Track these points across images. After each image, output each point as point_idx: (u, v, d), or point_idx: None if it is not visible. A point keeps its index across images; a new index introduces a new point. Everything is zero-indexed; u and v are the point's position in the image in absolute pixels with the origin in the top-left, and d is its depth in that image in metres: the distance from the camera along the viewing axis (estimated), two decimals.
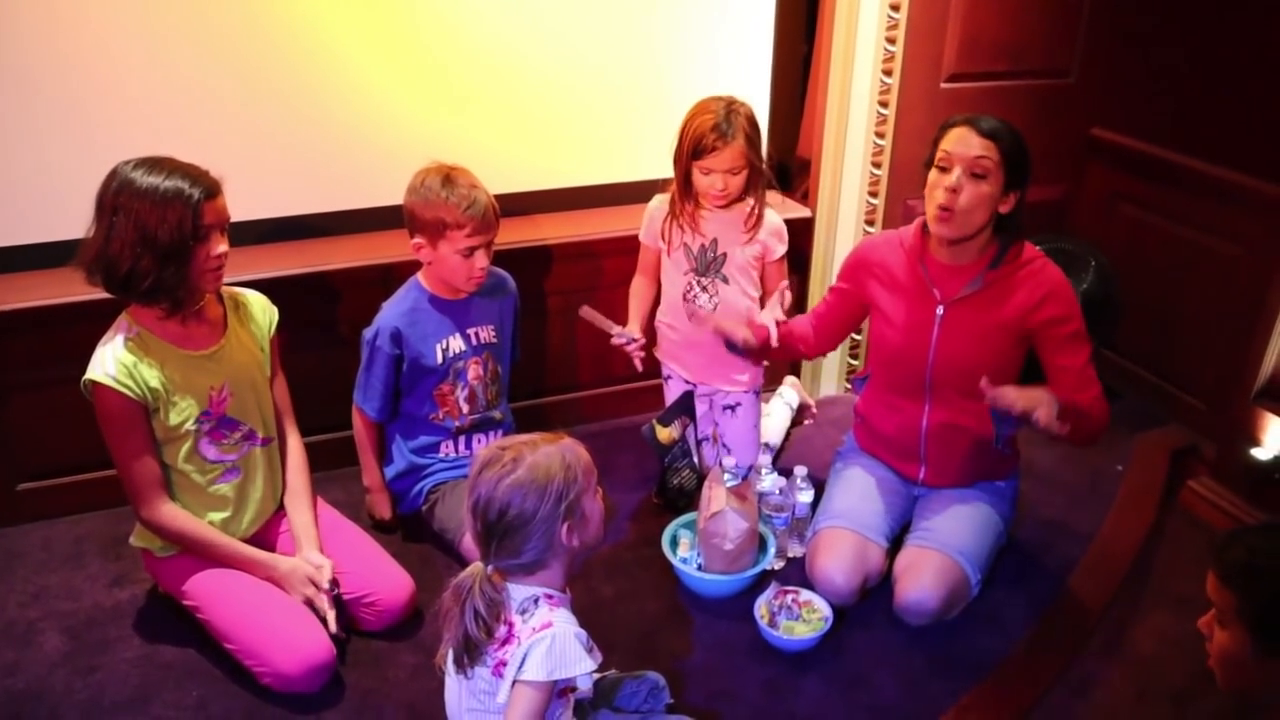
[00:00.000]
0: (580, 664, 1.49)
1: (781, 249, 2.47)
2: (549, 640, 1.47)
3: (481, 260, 2.21)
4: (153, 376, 1.91)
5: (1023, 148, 2.01)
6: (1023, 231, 2.10)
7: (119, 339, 1.91)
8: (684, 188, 2.37)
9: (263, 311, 2.14)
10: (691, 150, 2.29)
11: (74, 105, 2.33)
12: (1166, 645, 2.15)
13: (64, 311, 2.30)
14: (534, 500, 1.47)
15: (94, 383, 1.89)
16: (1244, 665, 1.33)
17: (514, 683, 1.47)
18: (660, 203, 2.47)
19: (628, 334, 2.41)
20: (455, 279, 2.25)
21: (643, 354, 2.44)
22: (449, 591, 1.53)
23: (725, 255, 2.42)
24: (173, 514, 1.99)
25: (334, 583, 2.05)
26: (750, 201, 2.40)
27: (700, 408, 2.58)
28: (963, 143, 1.98)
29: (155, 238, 1.82)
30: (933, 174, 2.04)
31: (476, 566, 1.52)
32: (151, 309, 1.92)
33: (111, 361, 1.88)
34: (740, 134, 2.27)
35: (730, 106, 2.28)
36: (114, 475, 2.34)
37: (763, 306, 2.42)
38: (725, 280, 2.44)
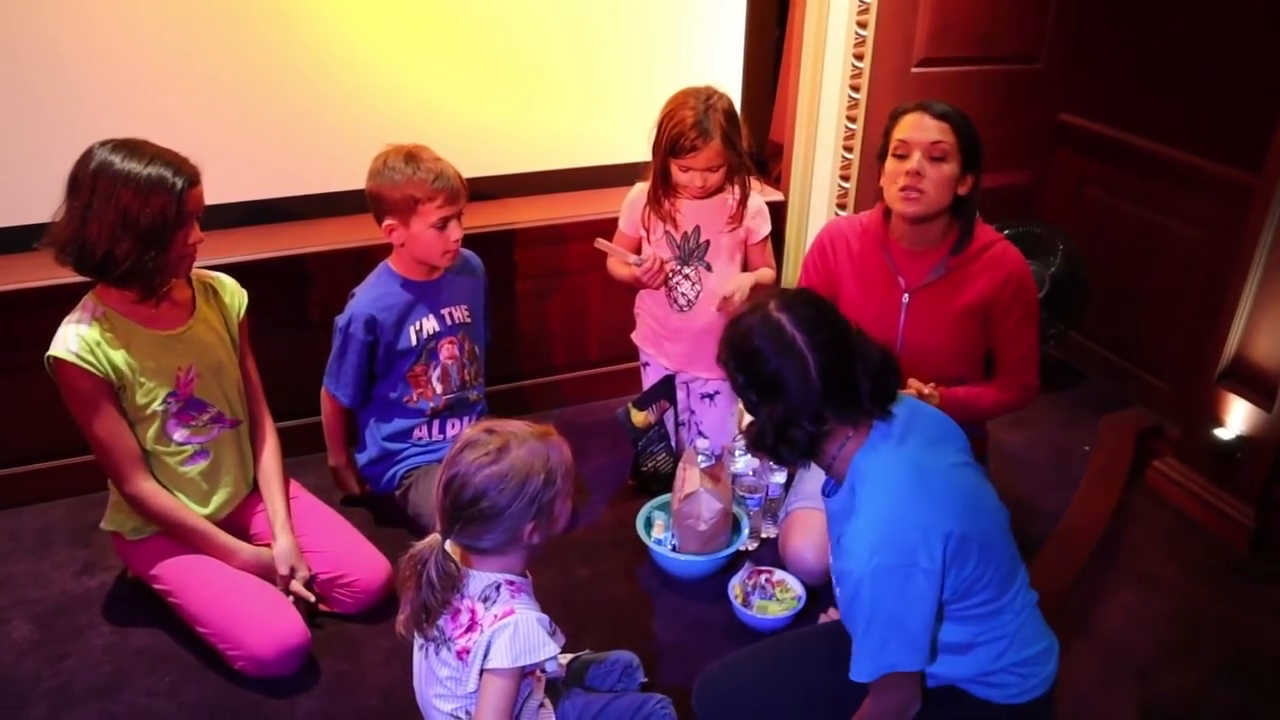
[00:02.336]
0: (544, 649, 1.50)
1: (765, 229, 2.48)
2: (511, 628, 1.48)
3: (455, 232, 2.22)
4: (117, 356, 1.89)
5: (973, 133, 2.02)
6: (977, 214, 2.12)
7: (83, 316, 1.89)
8: (662, 181, 2.36)
9: (232, 295, 2.12)
10: (669, 148, 2.29)
11: (37, 88, 2.30)
12: (1133, 621, 2.20)
13: (26, 297, 2.26)
14: (509, 496, 1.46)
15: (56, 359, 1.86)
16: None
17: (481, 672, 1.48)
18: (640, 191, 2.46)
19: (644, 259, 2.40)
20: (431, 255, 2.24)
21: (663, 274, 2.42)
22: (406, 559, 1.53)
23: (708, 242, 2.43)
24: (155, 490, 1.98)
25: (310, 580, 2.07)
26: (734, 187, 2.40)
27: (678, 395, 2.59)
28: (918, 128, 2.00)
29: (137, 222, 1.80)
30: (890, 163, 2.04)
31: (434, 538, 1.52)
32: (123, 292, 1.90)
33: (74, 338, 1.86)
34: (718, 131, 2.26)
35: (709, 102, 2.26)
36: (80, 464, 2.36)
37: None
38: (709, 268, 2.45)
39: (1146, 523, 2.53)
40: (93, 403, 1.89)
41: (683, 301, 2.48)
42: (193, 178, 1.86)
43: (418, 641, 1.60)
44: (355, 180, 2.27)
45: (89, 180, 1.80)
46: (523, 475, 1.47)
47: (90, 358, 1.86)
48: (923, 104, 2.03)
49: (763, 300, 1.55)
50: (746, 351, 1.51)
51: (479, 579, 1.52)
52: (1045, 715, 1.68)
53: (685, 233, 2.42)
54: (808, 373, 1.47)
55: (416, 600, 1.51)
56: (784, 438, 1.50)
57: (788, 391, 1.48)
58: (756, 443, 1.55)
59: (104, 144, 1.83)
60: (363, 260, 2.43)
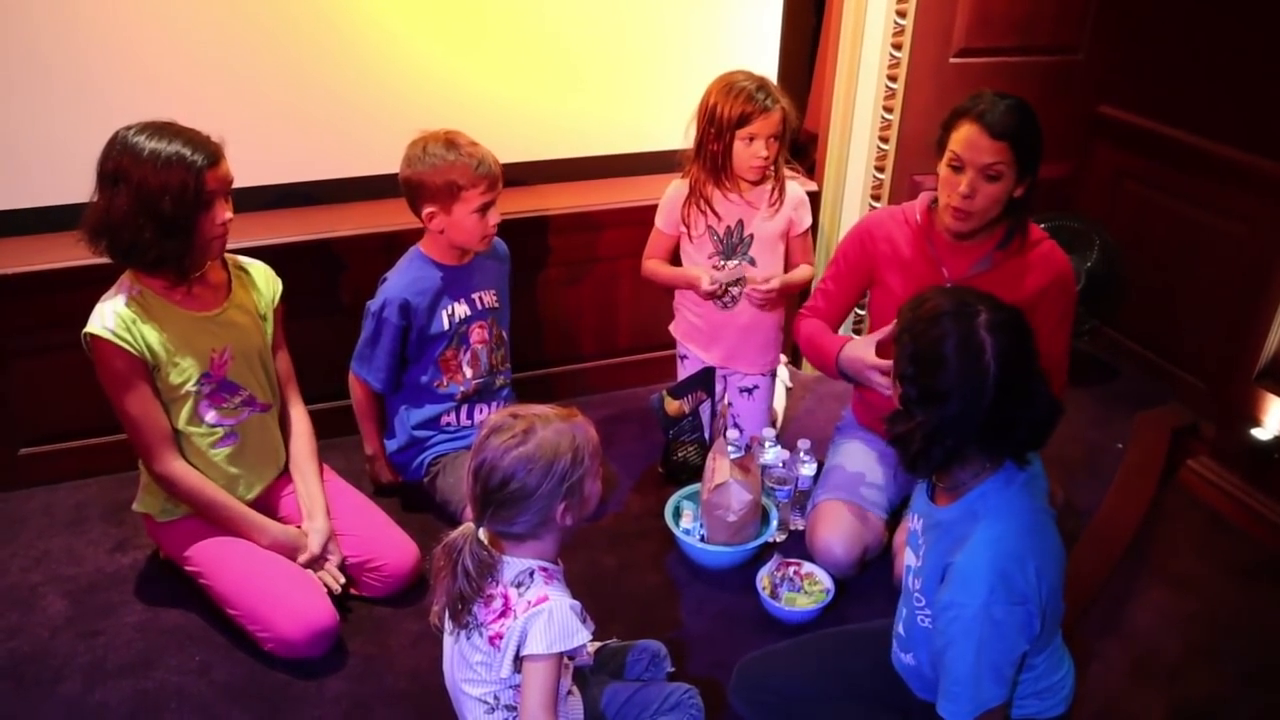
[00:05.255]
0: (578, 635, 1.50)
1: (807, 220, 2.47)
2: (546, 614, 1.48)
3: (494, 217, 2.24)
4: (153, 335, 1.90)
5: (1035, 136, 1.97)
6: (1030, 211, 2.10)
7: (121, 296, 1.90)
8: (720, 164, 2.34)
9: (266, 282, 2.12)
10: (738, 118, 2.28)
11: (77, 68, 2.31)
12: (1163, 621, 2.17)
13: (66, 276, 2.28)
14: (537, 477, 1.46)
15: (93, 336, 1.87)
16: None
17: (519, 658, 1.49)
18: (677, 189, 2.45)
19: (738, 266, 2.41)
20: (470, 240, 2.25)
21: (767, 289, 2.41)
22: (440, 549, 1.54)
23: (751, 236, 2.42)
24: (185, 470, 1.99)
25: (342, 563, 2.09)
26: (770, 180, 2.40)
27: (717, 386, 2.57)
28: (973, 147, 1.94)
29: (158, 207, 1.80)
30: (944, 170, 2.01)
31: (468, 526, 1.53)
32: (156, 277, 1.91)
33: (111, 316, 1.87)
34: (781, 98, 2.29)
35: (757, 76, 2.30)
36: (115, 442, 2.38)
37: None
38: (753, 262, 2.44)
39: (1179, 522, 2.50)
40: (127, 381, 1.90)
41: (726, 299, 2.46)
42: (213, 155, 1.84)
43: (448, 627, 1.60)
44: (386, 164, 2.27)
45: (113, 166, 1.81)
46: (550, 455, 1.47)
47: (127, 335, 1.87)
48: (981, 115, 1.94)
49: (972, 306, 1.45)
50: (933, 355, 1.44)
51: (513, 565, 1.53)
52: None
53: (729, 227, 2.41)
54: (979, 404, 1.41)
55: (452, 589, 1.51)
56: (927, 449, 1.46)
57: (947, 409, 1.43)
58: (898, 441, 1.50)
59: (129, 128, 1.83)
60: (394, 244, 2.43)
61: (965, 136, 1.95)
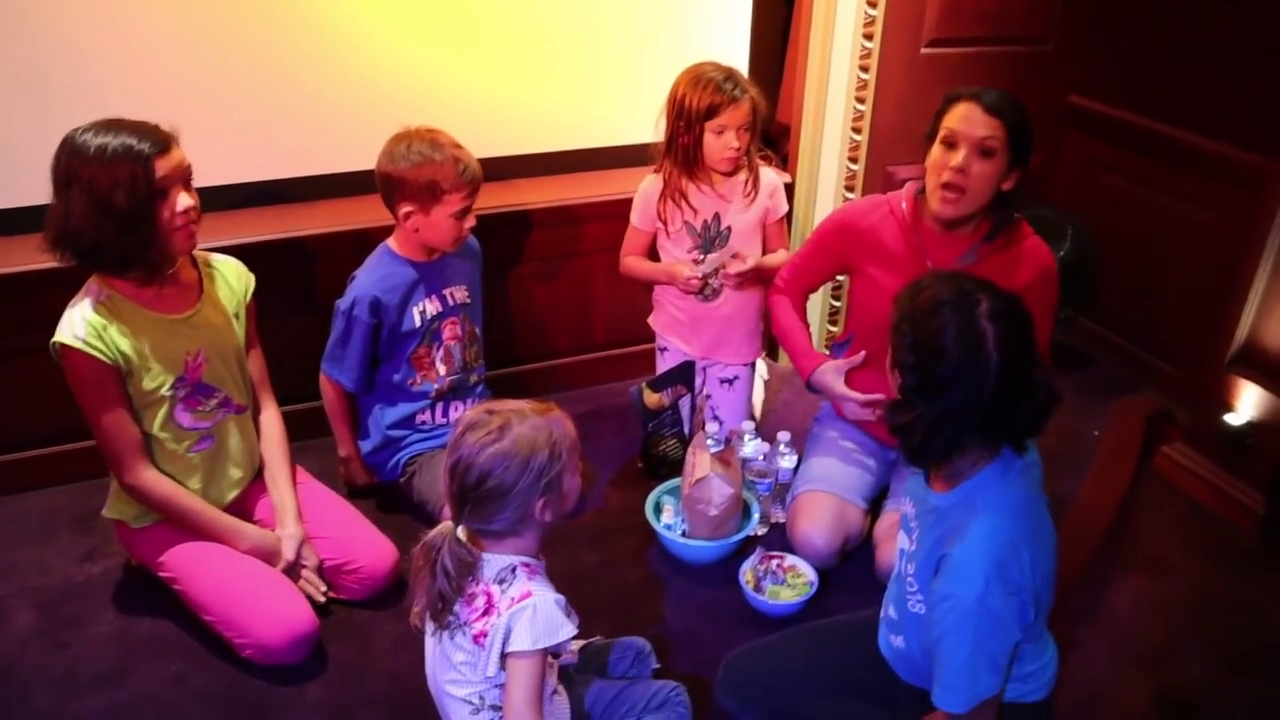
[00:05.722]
0: (563, 629, 1.49)
1: (783, 207, 2.47)
2: (530, 610, 1.47)
3: (470, 220, 2.22)
4: (124, 341, 1.86)
5: (1027, 123, 1.98)
6: (1016, 206, 2.10)
7: (88, 301, 1.85)
8: (691, 156, 2.33)
9: (238, 278, 2.09)
10: (706, 110, 2.26)
11: (36, 65, 2.25)
12: (1143, 608, 2.19)
13: (27, 280, 2.23)
14: (515, 473, 1.45)
15: (63, 346, 1.83)
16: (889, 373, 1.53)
17: (504, 656, 1.47)
18: (651, 184, 2.44)
19: (719, 257, 2.39)
20: (443, 241, 2.23)
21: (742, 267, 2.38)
22: (419, 549, 1.52)
23: (729, 229, 2.41)
24: (156, 479, 1.95)
25: (319, 567, 2.06)
26: (744, 170, 2.39)
27: (696, 378, 2.56)
28: (968, 121, 1.94)
29: (112, 204, 1.75)
30: (936, 149, 2.00)
31: (446, 525, 1.51)
32: (124, 279, 1.86)
33: (81, 323, 1.82)
34: (750, 88, 2.28)
35: (726, 68, 2.29)
36: (83, 449, 2.33)
37: None
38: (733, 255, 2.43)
39: (1155, 509, 2.52)
40: (99, 390, 1.86)
41: (707, 291, 2.45)
42: (161, 142, 1.78)
43: (430, 628, 1.58)
44: (357, 161, 2.25)
45: (64, 168, 1.76)
46: (527, 451, 1.45)
47: (98, 343, 1.83)
48: (976, 94, 1.96)
49: (972, 294, 1.43)
50: (934, 345, 1.41)
51: (494, 562, 1.51)
52: (1044, 716, 1.68)
53: (705, 221, 2.40)
54: (981, 393, 1.40)
55: (432, 589, 1.49)
56: (929, 440, 1.44)
57: (949, 399, 1.41)
58: (900, 432, 1.48)
59: (79, 128, 1.78)
60: (365, 243, 2.39)
61: (961, 113, 1.96)
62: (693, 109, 2.27)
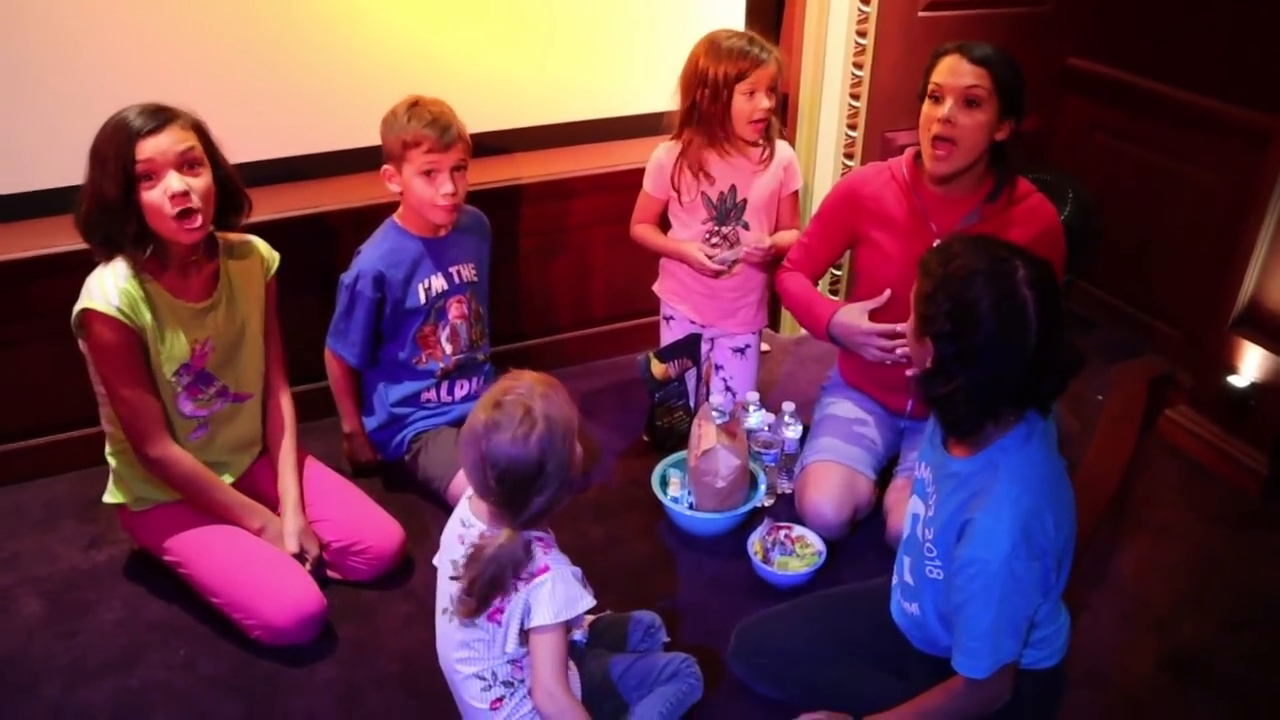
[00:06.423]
0: (582, 601, 1.50)
1: (798, 181, 2.46)
2: (549, 584, 1.47)
3: (445, 185, 2.14)
4: (148, 319, 1.82)
5: (1016, 73, 1.97)
6: (1019, 163, 2.08)
7: (122, 271, 1.80)
8: (718, 124, 2.30)
9: (261, 258, 2.04)
10: (735, 75, 2.24)
11: (48, 50, 2.19)
12: (1149, 571, 2.19)
13: (30, 266, 2.19)
14: (558, 449, 1.45)
15: (93, 312, 1.77)
16: (910, 341, 1.55)
17: (524, 631, 1.48)
18: (667, 151, 2.41)
19: (741, 250, 2.38)
20: (422, 207, 2.18)
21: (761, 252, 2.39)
22: (486, 558, 1.46)
23: (745, 201, 2.39)
24: (180, 453, 1.92)
25: (319, 557, 2.05)
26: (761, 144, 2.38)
27: (703, 348, 2.55)
28: (953, 72, 1.95)
29: (100, 184, 1.72)
30: (926, 106, 2.00)
31: (508, 534, 1.47)
32: (145, 260, 1.81)
33: (115, 291, 1.77)
34: (773, 48, 2.27)
35: (745, 32, 2.29)
36: (83, 436, 2.33)
37: None
38: (746, 227, 2.42)
39: (1159, 471, 2.52)
40: (126, 359, 1.81)
41: (722, 274, 2.44)
42: (154, 123, 1.72)
43: (441, 606, 1.57)
44: (359, 138, 2.21)
45: (91, 149, 1.74)
46: (560, 428, 1.45)
47: (130, 312, 1.79)
48: (962, 46, 1.97)
49: (1008, 261, 1.41)
50: (972, 314, 1.40)
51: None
52: (1056, 682, 1.70)
53: (722, 192, 2.38)
54: (1022, 359, 1.40)
55: (482, 586, 1.46)
56: (970, 409, 1.44)
57: (988, 366, 1.41)
58: (940, 403, 1.47)
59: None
60: (369, 220, 2.35)
61: (946, 66, 1.97)
62: (719, 75, 2.24)
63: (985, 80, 1.93)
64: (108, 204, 1.73)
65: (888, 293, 2.12)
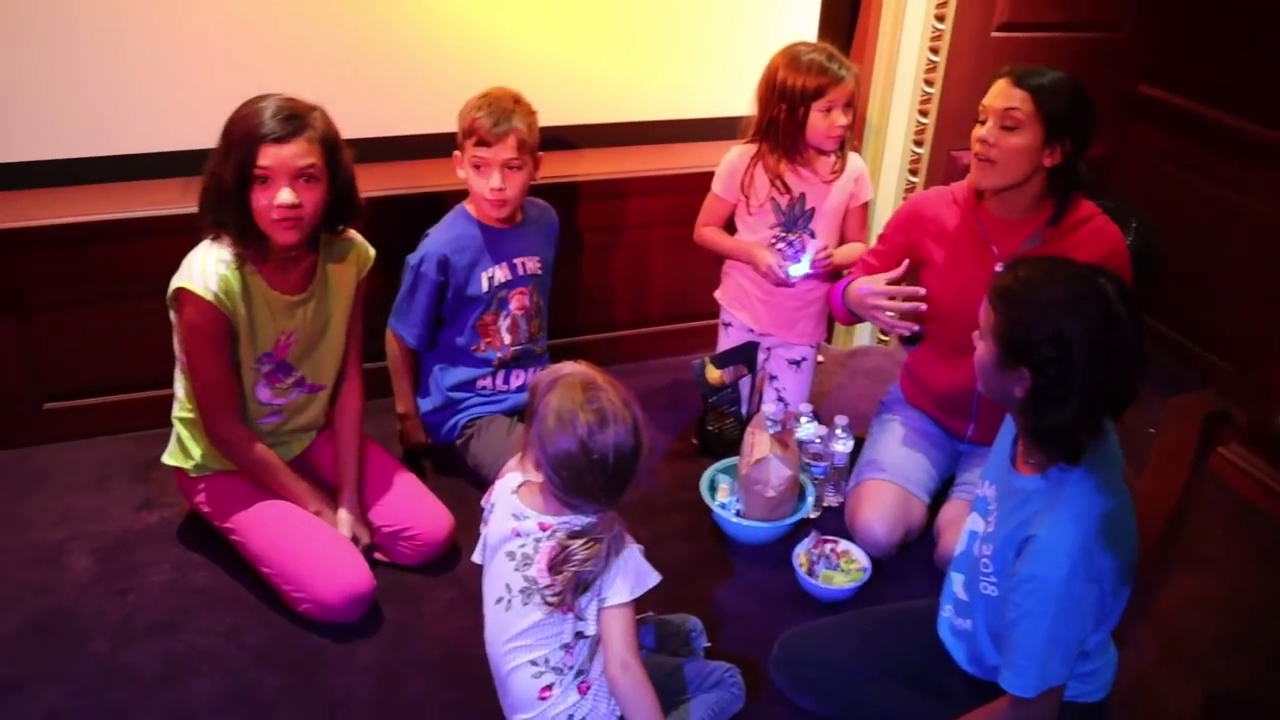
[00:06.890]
0: (650, 576, 1.55)
1: (868, 193, 2.46)
2: (621, 562, 1.52)
3: (494, 179, 2.14)
4: (241, 305, 1.86)
5: (1068, 99, 1.96)
6: (1080, 187, 2.07)
7: (225, 255, 1.83)
8: (794, 138, 2.30)
9: (357, 258, 2.05)
10: (814, 90, 2.24)
11: (109, 21, 2.20)
12: (1194, 608, 2.16)
13: (95, 229, 2.23)
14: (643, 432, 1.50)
15: (190, 293, 1.80)
16: (989, 371, 1.52)
17: (599, 611, 1.52)
18: (740, 154, 2.40)
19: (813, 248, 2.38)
20: (475, 199, 2.22)
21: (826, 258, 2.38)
22: (589, 539, 1.51)
23: (813, 210, 2.39)
24: (247, 435, 1.96)
25: (370, 546, 2.07)
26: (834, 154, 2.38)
27: (759, 357, 2.55)
28: (997, 95, 1.98)
29: (220, 172, 1.76)
30: (975, 128, 2.03)
31: (612, 520, 1.54)
32: (245, 250, 1.84)
33: (214, 276, 1.81)
34: (852, 66, 2.28)
35: (824, 46, 2.29)
36: (143, 399, 2.36)
37: None
38: (812, 235, 2.41)
39: (1208, 508, 2.49)
40: (212, 342, 1.85)
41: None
42: (282, 132, 1.73)
43: (494, 595, 1.58)
44: (429, 124, 2.21)
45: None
46: (630, 402, 1.51)
47: (225, 298, 1.82)
48: (1015, 70, 1.98)
49: (1093, 280, 1.42)
50: (1076, 338, 1.40)
51: (576, 524, 1.53)
52: (1100, 717, 1.68)
53: (792, 200, 2.37)
54: (1120, 377, 1.42)
55: (583, 577, 1.50)
56: (1084, 433, 1.44)
57: (1090, 388, 1.41)
58: (1057, 435, 1.45)
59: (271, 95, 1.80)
60: (437, 206, 2.37)
61: (995, 87, 2.00)
62: (797, 90, 2.25)
63: (1027, 105, 1.93)
64: (223, 190, 1.77)
65: (906, 263, 2.17)
